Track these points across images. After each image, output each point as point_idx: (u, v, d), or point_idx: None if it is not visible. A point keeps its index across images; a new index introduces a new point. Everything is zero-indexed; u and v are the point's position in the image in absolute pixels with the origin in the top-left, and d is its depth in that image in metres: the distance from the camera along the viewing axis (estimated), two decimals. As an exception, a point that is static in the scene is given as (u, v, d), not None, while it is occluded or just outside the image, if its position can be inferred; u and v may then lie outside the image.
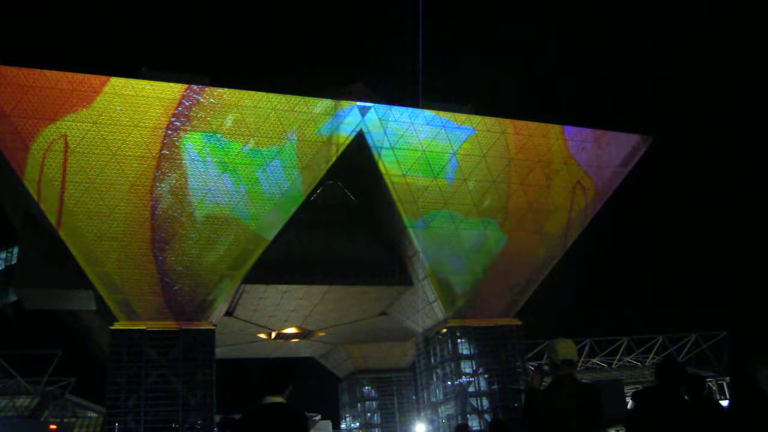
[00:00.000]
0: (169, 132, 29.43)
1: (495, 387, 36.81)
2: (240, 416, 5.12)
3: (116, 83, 28.57)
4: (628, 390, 42.22)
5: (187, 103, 29.58)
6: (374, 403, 52.41)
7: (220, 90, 30.35)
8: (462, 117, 34.56)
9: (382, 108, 32.97)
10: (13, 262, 36.73)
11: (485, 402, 36.78)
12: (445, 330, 37.62)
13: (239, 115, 30.36)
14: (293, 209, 32.06)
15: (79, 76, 28.10)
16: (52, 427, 35.36)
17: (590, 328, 51.21)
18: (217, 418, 28.97)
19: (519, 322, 38.13)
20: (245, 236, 31.56)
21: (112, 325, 30.80)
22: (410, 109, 33.52)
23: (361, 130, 32.43)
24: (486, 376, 37.13)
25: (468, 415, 35.98)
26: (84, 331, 41.57)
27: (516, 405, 35.47)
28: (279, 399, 4.87)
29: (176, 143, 29.69)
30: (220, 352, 37.08)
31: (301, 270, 35.69)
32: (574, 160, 36.71)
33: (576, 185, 37.18)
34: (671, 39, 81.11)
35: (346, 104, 32.27)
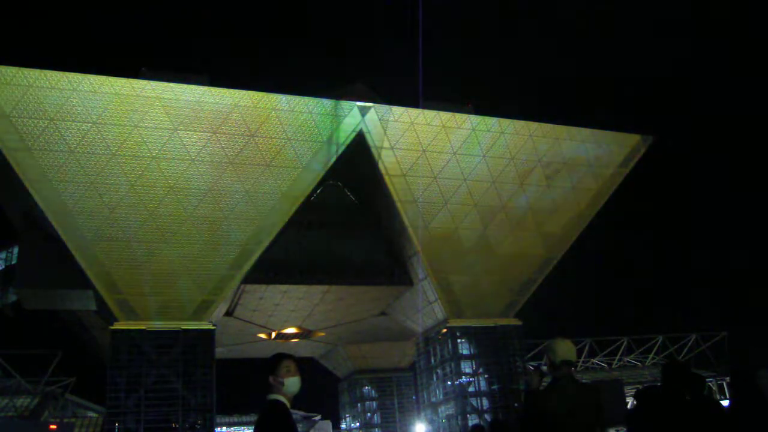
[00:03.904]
0: (169, 132, 29.42)
1: (495, 387, 36.83)
2: None
3: (116, 83, 28.57)
4: (628, 390, 42.26)
5: (187, 103, 29.57)
6: (374, 403, 52.44)
7: (220, 90, 30.34)
8: (462, 117, 34.56)
9: (382, 108, 32.95)
10: (13, 262, 36.77)
11: (485, 402, 36.80)
12: (445, 330, 37.61)
13: (239, 115, 30.35)
14: (293, 209, 32.05)
15: (79, 76, 28.07)
16: (52, 427, 35.35)
17: (590, 328, 51.26)
18: None
19: (519, 322, 38.14)
20: (245, 236, 31.56)
21: (112, 325, 30.81)
22: (410, 109, 33.51)
23: (361, 130, 32.41)
24: (486, 376, 37.14)
25: (468, 415, 35.99)
26: (84, 331, 41.59)
27: (516, 405, 35.47)
28: (272, 396, 4.80)
29: (176, 143, 29.68)
30: (220, 352, 37.08)
31: (301, 270, 35.72)
32: (574, 160, 36.72)
33: (576, 185, 37.20)
34: (671, 38, 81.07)
35: (346, 104, 32.26)
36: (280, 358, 4.95)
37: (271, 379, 4.82)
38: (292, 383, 4.85)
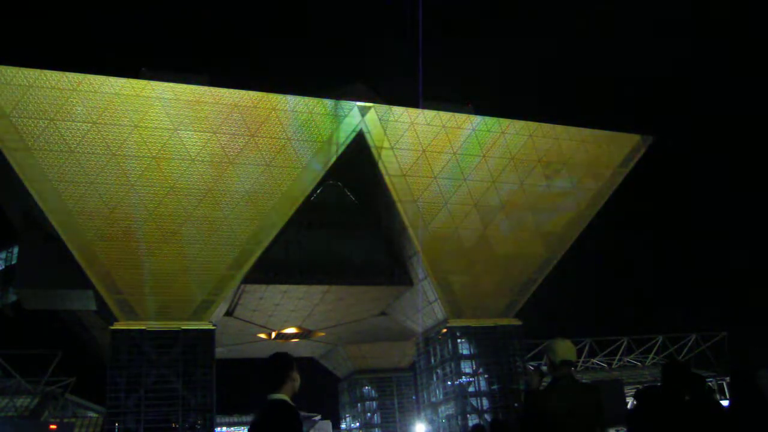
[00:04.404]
0: (169, 132, 29.43)
1: (495, 387, 36.84)
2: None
3: (116, 83, 28.57)
4: (628, 390, 42.25)
5: (187, 103, 29.58)
6: (374, 403, 52.46)
7: (220, 90, 30.35)
8: (462, 117, 34.57)
9: (382, 108, 32.97)
10: (13, 262, 36.76)
11: (485, 402, 36.80)
12: (445, 330, 37.62)
13: (239, 115, 30.36)
14: (293, 209, 32.07)
15: (79, 76, 28.08)
16: (52, 427, 35.37)
17: (590, 328, 51.24)
18: None
19: (519, 322, 38.15)
20: (245, 236, 31.57)
21: (112, 325, 30.82)
22: (410, 109, 33.53)
23: (361, 130, 32.43)
24: (486, 376, 37.15)
25: (468, 415, 36.00)
26: (84, 331, 41.59)
27: (516, 405, 35.49)
28: (279, 396, 4.72)
29: (176, 143, 29.69)
30: (220, 352, 37.07)
31: (301, 270, 35.72)
32: (574, 160, 36.72)
33: (576, 185, 37.21)
34: (671, 38, 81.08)
35: (346, 104, 32.27)
36: (291, 357, 4.98)
37: (290, 375, 4.79)
38: (299, 381, 4.92)
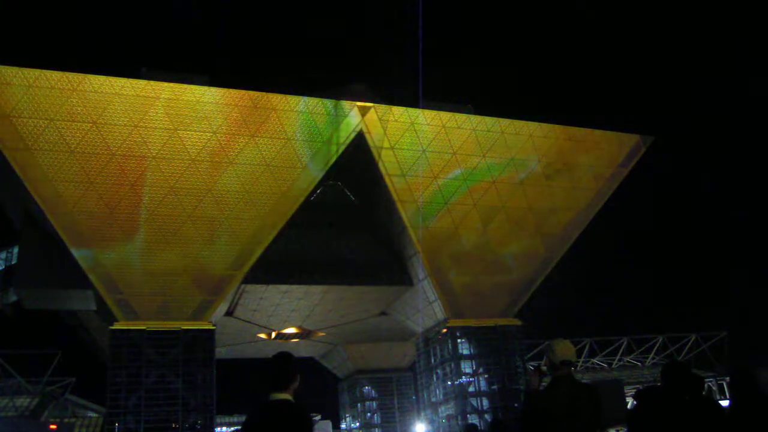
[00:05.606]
0: (169, 132, 29.43)
1: (495, 387, 36.85)
2: (246, 417, 4.78)
3: (116, 83, 28.58)
4: (628, 390, 42.22)
5: (187, 103, 29.58)
6: (374, 403, 52.48)
7: (220, 90, 30.36)
8: (462, 117, 34.58)
9: (382, 108, 32.98)
10: (13, 262, 36.74)
11: (485, 402, 36.81)
12: (445, 330, 37.64)
13: (239, 115, 30.37)
14: (293, 209, 32.08)
15: (79, 76, 28.10)
16: (52, 427, 35.36)
17: (590, 328, 51.18)
18: None
19: (519, 322, 38.16)
20: (245, 236, 31.58)
21: (112, 325, 30.83)
22: (410, 109, 33.53)
23: (361, 130, 32.44)
24: (486, 376, 37.16)
25: (468, 415, 36.00)
26: (84, 331, 41.60)
27: (516, 405, 35.50)
28: (285, 395, 4.63)
29: (176, 143, 29.70)
30: (220, 352, 37.10)
31: (301, 270, 35.75)
32: (574, 160, 36.73)
33: (576, 185, 37.21)
34: (671, 38, 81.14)
35: (346, 104, 32.28)
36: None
37: (296, 375, 4.73)
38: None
